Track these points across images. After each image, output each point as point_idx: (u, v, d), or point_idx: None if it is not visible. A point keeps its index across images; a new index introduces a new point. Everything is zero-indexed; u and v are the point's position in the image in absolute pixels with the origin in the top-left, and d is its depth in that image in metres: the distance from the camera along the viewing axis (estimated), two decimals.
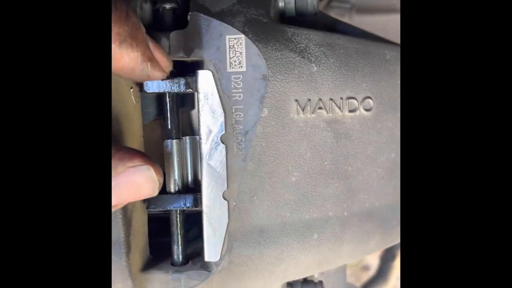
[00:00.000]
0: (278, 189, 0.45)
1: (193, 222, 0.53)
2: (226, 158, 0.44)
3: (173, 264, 0.47)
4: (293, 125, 0.45)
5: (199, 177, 0.46)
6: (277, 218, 0.46)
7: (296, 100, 0.44)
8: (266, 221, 0.46)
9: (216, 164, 0.44)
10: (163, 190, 0.46)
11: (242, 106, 0.43)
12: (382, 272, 1.42)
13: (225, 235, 0.45)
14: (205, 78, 0.43)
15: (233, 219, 0.45)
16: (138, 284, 0.45)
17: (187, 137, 0.47)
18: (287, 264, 0.48)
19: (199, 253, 0.50)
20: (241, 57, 0.43)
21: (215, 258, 0.45)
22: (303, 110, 0.45)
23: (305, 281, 0.55)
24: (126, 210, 0.43)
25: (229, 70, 0.43)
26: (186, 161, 0.47)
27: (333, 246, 0.49)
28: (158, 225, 0.51)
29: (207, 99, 0.43)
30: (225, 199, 0.44)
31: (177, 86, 0.44)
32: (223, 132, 0.44)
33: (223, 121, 0.43)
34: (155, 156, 0.46)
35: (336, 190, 0.48)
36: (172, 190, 0.46)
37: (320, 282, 0.56)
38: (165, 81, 0.44)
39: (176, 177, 0.46)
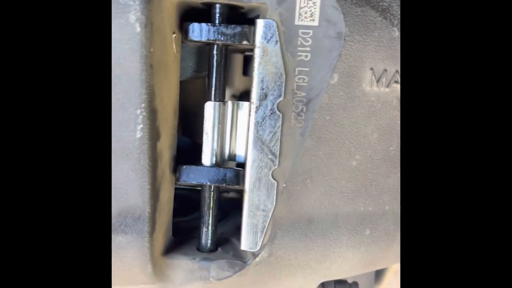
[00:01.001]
0: (336, 174, 0.38)
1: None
2: (281, 131, 0.36)
3: (199, 249, 0.40)
4: (364, 98, 0.37)
5: (242, 151, 0.39)
6: (329, 208, 0.39)
7: (371, 69, 0.37)
8: (317, 209, 0.38)
9: (268, 136, 0.36)
10: (197, 161, 0.39)
11: (307, 69, 0.36)
12: (377, 271, 1.38)
13: (269, 221, 0.37)
14: (266, 29, 0.35)
15: (280, 203, 0.37)
16: (159, 269, 0.38)
17: (230, 102, 0.39)
18: (332, 262, 0.41)
19: (227, 239, 0.43)
20: (315, 8, 0.35)
21: (254, 247, 0.38)
22: (377, 81, 0.37)
23: (339, 281, 0.48)
24: (155, 179, 0.35)
25: (297, 22, 0.35)
26: (227, 129, 0.39)
27: (384, 245, 0.42)
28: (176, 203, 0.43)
29: (266, 55, 0.35)
30: (274, 179, 0.37)
31: (231, 35, 0.36)
32: (282, 98, 0.36)
33: (283, 84, 0.36)
34: (186, 122, 0.38)
35: (397, 181, 0.41)
36: (208, 163, 0.38)
37: (355, 283, 0.49)
38: (216, 27, 0.36)
39: (215, 147, 0.38)
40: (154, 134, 0.34)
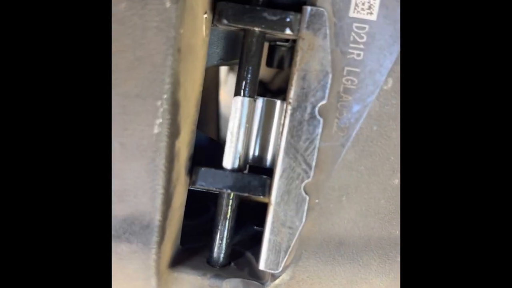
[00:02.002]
0: (375, 192, 0.33)
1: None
2: (320, 138, 0.31)
3: (210, 263, 0.35)
4: None
5: (270, 155, 0.34)
6: (363, 230, 0.34)
7: None
8: (350, 231, 0.34)
9: (303, 143, 0.31)
10: (217, 164, 0.34)
11: (358, 70, 0.31)
12: None
13: (295, 240, 0.33)
14: (314, 19, 0.30)
15: (310, 221, 0.32)
16: (164, 284, 0.33)
17: (261, 98, 0.34)
18: None
19: (240, 251, 0.38)
20: None
21: (275, 268, 0.33)
22: None
23: None
24: (169, 182, 0.30)
25: (352, 14, 0.30)
26: (254, 130, 0.34)
27: None
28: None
29: (312, 49, 0.30)
30: (306, 193, 0.32)
31: (272, 22, 0.31)
32: (325, 101, 0.31)
33: (328, 85, 0.31)
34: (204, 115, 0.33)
35: None
36: (229, 166, 0.33)
37: None
38: (256, 10, 0.31)
39: (240, 149, 0.33)
40: (173, 131, 0.29)
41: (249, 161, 0.35)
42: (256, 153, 0.35)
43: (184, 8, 0.27)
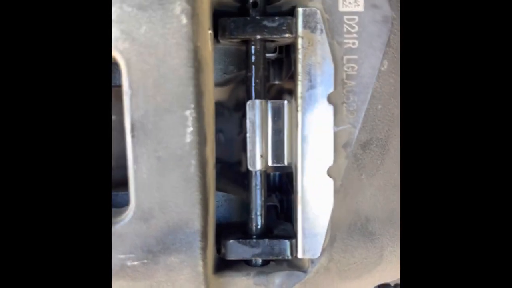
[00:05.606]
0: (389, 166, 0.36)
1: None
2: (334, 124, 0.34)
3: (249, 264, 0.37)
4: None
5: (290, 151, 0.36)
6: (385, 203, 0.36)
7: None
8: (373, 206, 0.36)
9: (320, 131, 0.34)
10: (236, 172, 0.36)
11: (356, 57, 0.34)
12: None
13: (328, 224, 0.35)
14: (309, 18, 0.33)
15: (338, 203, 0.35)
16: None
17: (270, 101, 0.37)
18: (387, 263, 0.38)
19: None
20: None
21: (314, 254, 0.35)
22: None
23: (383, 285, 0.46)
24: (205, 188, 0.32)
25: (341, 9, 0.33)
26: (269, 131, 0.36)
27: None
28: None
29: (312, 45, 0.33)
30: (330, 176, 0.34)
31: (272, 28, 0.33)
32: (332, 89, 0.34)
33: (332, 75, 0.34)
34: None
35: None
36: (253, 168, 0.35)
37: (397, 286, 0.47)
38: (256, 20, 0.33)
39: (263, 152, 0.35)
40: (202, 138, 0.31)
41: (271, 162, 0.37)
42: (274, 153, 0.37)
43: (198, 23, 0.29)
